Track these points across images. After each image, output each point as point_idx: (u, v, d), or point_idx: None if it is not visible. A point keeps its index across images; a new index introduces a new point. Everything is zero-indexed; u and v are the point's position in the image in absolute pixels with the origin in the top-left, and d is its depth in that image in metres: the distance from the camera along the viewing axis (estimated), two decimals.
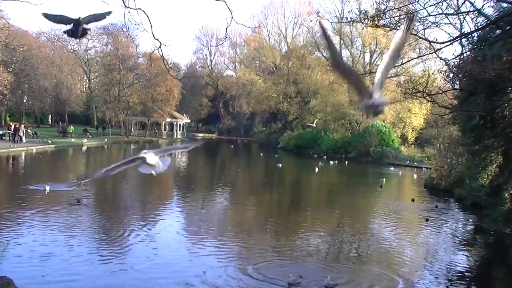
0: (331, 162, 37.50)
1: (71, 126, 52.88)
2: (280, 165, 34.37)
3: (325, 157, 43.56)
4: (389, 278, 9.52)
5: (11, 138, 37.30)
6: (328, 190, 25.26)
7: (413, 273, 9.99)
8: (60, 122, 60.43)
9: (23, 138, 37.18)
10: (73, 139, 44.17)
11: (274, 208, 18.40)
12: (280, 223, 15.07)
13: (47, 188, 15.77)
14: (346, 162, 38.22)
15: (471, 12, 12.72)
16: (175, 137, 66.76)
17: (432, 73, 15.01)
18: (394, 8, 10.16)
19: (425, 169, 35.51)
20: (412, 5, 10.49)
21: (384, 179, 26.85)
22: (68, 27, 4.68)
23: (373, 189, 24.87)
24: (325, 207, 18.93)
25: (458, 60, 14.72)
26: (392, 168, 35.74)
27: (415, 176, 28.99)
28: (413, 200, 19.40)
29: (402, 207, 18.73)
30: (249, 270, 9.40)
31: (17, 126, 39.68)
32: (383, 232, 14.28)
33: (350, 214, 17.48)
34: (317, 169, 30.26)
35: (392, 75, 48.83)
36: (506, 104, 13.93)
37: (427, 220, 15.57)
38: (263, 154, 48.07)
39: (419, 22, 10.74)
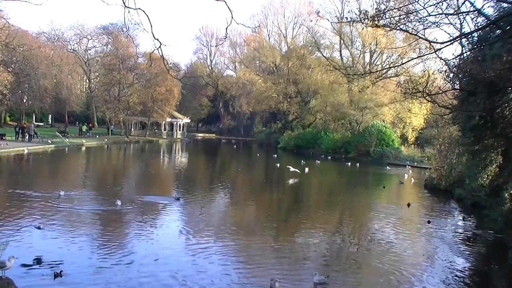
0: (317, 162, 37.55)
1: (84, 126, 54.61)
2: (279, 165, 34.46)
3: (329, 157, 43.64)
4: (389, 278, 9.53)
5: (18, 137, 38.57)
6: (329, 191, 25.23)
7: (413, 274, 9.98)
8: (77, 122, 62.04)
9: (32, 137, 38.64)
10: (84, 140, 44.53)
11: (272, 207, 18.39)
12: (277, 222, 15.09)
13: (62, 193, 15.77)
14: (358, 164, 37.38)
15: (471, 12, 12.71)
16: (175, 137, 66.76)
17: (432, 73, 14.93)
18: (394, 8, 10.13)
19: (409, 167, 35.86)
20: (412, 5, 10.46)
21: (405, 178, 27.54)
22: None
23: (376, 190, 24.85)
24: (325, 207, 18.91)
25: (458, 60, 14.69)
26: (388, 168, 35.80)
27: (406, 176, 28.88)
28: (408, 205, 18.56)
29: (401, 209, 18.72)
30: (246, 270, 9.43)
31: (24, 125, 41.34)
32: (382, 232, 14.26)
33: (350, 214, 17.48)
34: (307, 169, 29.89)
35: (392, 75, 48.98)
36: (506, 104, 13.91)
37: (429, 222, 15.53)
38: (262, 154, 48.09)
39: (419, 22, 10.74)
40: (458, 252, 12.20)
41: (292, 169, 26.54)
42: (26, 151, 31.42)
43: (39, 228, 11.29)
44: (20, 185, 17.69)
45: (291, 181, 25.30)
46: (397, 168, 35.73)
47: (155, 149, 48.81)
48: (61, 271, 8.36)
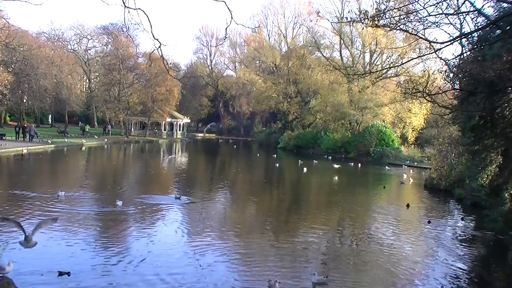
0: (315, 161, 37.64)
1: (88, 126, 55.13)
2: (278, 164, 34.61)
3: (329, 157, 43.66)
4: (388, 279, 9.53)
5: (18, 136, 38.87)
6: (329, 190, 25.22)
7: (413, 274, 9.98)
8: (80, 123, 62.78)
9: (33, 137, 38.86)
10: (84, 140, 44.59)
11: (272, 207, 18.38)
12: (276, 222, 15.09)
13: (62, 194, 15.73)
14: (360, 164, 36.74)
15: (471, 12, 12.71)
16: (175, 137, 66.75)
17: (432, 73, 14.92)
18: (394, 8, 10.14)
19: (405, 167, 36.24)
20: (412, 5, 10.46)
21: (404, 178, 27.66)
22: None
23: (376, 190, 24.82)
24: (325, 207, 18.90)
25: (458, 60, 14.68)
26: (388, 168, 35.80)
27: (405, 176, 28.81)
28: (408, 206, 18.29)
29: (401, 209, 18.71)
30: (245, 270, 9.44)
31: (25, 125, 41.76)
32: (382, 232, 14.25)
33: (350, 214, 17.46)
34: (305, 169, 30.22)
35: (392, 75, 48.99)
36: (506, 104, 13.89)
37: (429, 222, 15.52)
38: (262, 154, 48.08)
39: (419, 22, 10.74)
40: (458, 252, 12.18)
41: (336, 165, 32.18)
42: (25, 151, 31.41)
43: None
44: (19, 185, 17.70)
45: (336, 178, 27.50)
46: (397, 168, 35.73)
47: (155, 149, 48.82)
48: (69, 271, 8.35)
